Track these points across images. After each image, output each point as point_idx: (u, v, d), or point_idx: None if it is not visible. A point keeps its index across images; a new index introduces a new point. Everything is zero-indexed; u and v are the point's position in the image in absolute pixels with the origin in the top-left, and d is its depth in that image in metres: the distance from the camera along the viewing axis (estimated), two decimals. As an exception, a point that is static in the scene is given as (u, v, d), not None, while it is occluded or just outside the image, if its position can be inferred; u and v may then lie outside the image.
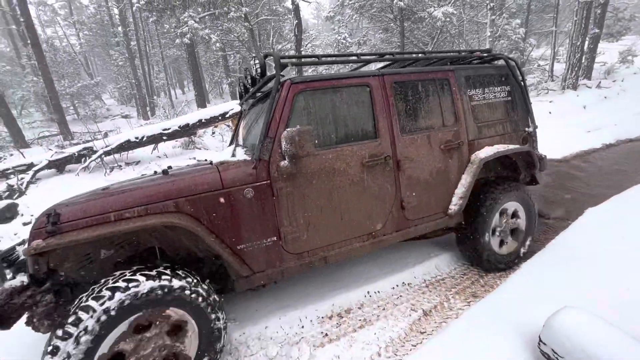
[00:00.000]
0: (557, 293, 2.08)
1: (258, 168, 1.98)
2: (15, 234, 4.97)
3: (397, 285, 2.66)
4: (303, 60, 2.35)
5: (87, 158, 6.30)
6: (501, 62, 2.93)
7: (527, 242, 2.88)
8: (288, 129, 1.87)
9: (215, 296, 1.81)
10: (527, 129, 2.97)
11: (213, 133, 8.46)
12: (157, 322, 1.65)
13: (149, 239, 1.91)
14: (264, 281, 2.08)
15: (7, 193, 5.73)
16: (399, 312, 2.34)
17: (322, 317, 2.35)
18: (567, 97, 10.19)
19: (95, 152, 6.33)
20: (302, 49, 8.99)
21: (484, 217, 2.61)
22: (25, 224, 5.24)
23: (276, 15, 12.44)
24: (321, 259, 2.20)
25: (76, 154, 6.34)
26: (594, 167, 5.52)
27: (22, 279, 1.66)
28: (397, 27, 11.39)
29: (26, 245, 1.73)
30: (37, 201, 5.53)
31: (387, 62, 2.94)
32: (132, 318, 1.56)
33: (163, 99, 18.67)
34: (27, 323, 1.65)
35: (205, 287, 1.78)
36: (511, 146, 2.73)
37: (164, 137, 6.63)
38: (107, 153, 6.38)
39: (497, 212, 2.67)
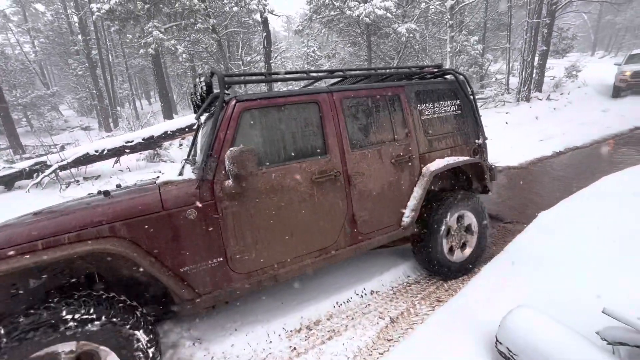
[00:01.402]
0: (514, 294, 2.19)
1: (202, 188, 1.93)
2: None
3: (365, 294, 2.68)
4: (249, 78, 2.32)
5: (40, 173, 5.86)
6: (450, 76, 3.04)
7: (482, 244, 2.99)
8: (231, 149, 1.83)
9: (136, 311, 1.73)
10: (477, 141, 3.08)
11: (180, 145, 8.20)
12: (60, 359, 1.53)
13: (84, 265, 1.81)
14: (212, 303, 2.00)
15: (-56, 213, 5.18)
16: (367, 321, 2.36)
17: (291, 331, 2.31)
18: (522, 109, 10.97)
19: (50, 166, 5.91)
20: (271, 61, 9.07)
21: (436, 226, 2.67)
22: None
23: (245, 27, 12.44)
24: (271, 278, 2.15)
25: (27, 169, 5.88)
26: (546, 172, 5.96)
27: None
28: (364, 41, 11.81)
29: None
30: (-20, 221, 5.06)
31: (338, 79, 2.97)
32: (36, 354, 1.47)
33: (127, 110, 17.90)
34: None
35: (117, 306, 1.67)
36: (461, 158, 2.84)
37: (127, 150, 6.33)
38: (63, 167, 5.98)
39: (448, 221, 2.74)
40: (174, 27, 9.66)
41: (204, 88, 2.28)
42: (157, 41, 8.67)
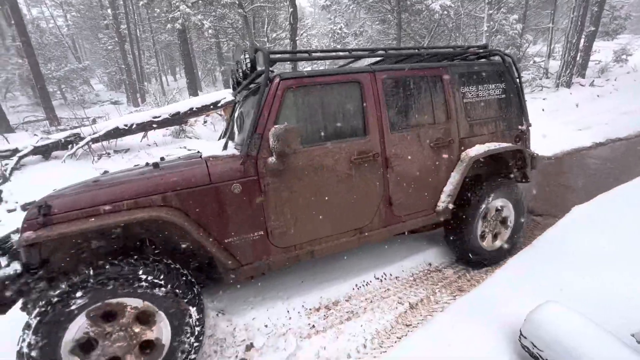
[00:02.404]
0: (540, 288, 2.11)
1: (246, 164, 1.99)
2: (-1, 220, 4.86)
3: (385, 279, 2.68)
4: (292, 56, 2.34)
5: (74, 145, 6.14)
6: (497, 58, 2.89)
7: (514, 238, 2.92)
8: (275, 127, 1.86)
9: (194, 288, 1.84)
10: (520, 127, 2.95)
11: (205, 122, 8.31)
12: (125, 311, 1.67)
13: (139, 232, 1.92)
14: (252, 274, 2.11)
15: (-9, 179, 5.58)
16: (386, 305, 2.37)
17: (310, 309, 2.36)
18: (561, 95, 10.27)
19: (83, 138, 6.17)
20: (297, 38, 8.84)
21: (472, 213, 2.63)
22: (9, 211, 5.12)
23: (271, 2, 12.14)
24: (308, 253, 2.22)
25: (63, 140, 6.17)
26: (583, 165, 5.61)
27: (15, 267, 1.67)
28: (395, 18, 11.26)
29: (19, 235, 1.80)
30: (21, 188, 5.40)
31: (379, 58, 2.88)
32: (97, 305, 1.60)
33: (154, 85, 18.26)
34: (22, 309, 1.73)
35: (181, 279, 1.79)
36: (503, 144, 2.73)
37: (154, 125, 6.49)
38: (95, 140, 6.22)
39: (484, 209, 2.69)
40: (200, 1, 9.57)
41: (248, 65, 2.28)
42: (184, 16, 8.64)
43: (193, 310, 1.78)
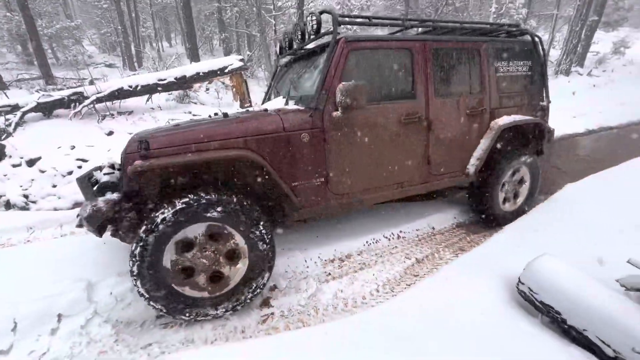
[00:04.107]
0: (535, 248, 2.35)
1: (314, 116, 2.18)
2: (4, 175, 4.88)
3: (393, 238, 2.90)
4: (356, 20, 2.55)
5: (78, 103, 6.07)
6: (527, 37, 3.09)
7: (530, 202, 3.28)
8: (344, 83, 2.05)
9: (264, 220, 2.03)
10: (541, 102, 3.20)
11: (207, 89, 8.23)
12: (222, 233, 1.93)
13: (217, 172, 2.10)
14: (310, 216, 2.41)
15: (-7, 134, 5.52)
16: (395, 259, 2.60)
17: (326, 260, 2.58)
18: (559, 82, 10.45)
19: (86, 98, 6.09)
20: (304, 8, 8.69)
21: (496, 177, 2.93)
22: (14, 166, 5.12)
23: (277, -32, 11.69)
24: (358, 201, 2.48)
25: (66, 98, 6.09)
26: (574, 149, 5.88)
27: (112, 197, 1.88)
28: (402, -6, 11.08)
29: (101, 171, 2.19)
30: (25, 143, 5.37)
31: (426, 29, 3.10)
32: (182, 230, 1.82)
33: (150, 50, 17.64)
34: (113, 234, 1.95)
35: (255, 212, 1.99)
36: (527, 117, 3.00)
37: (159, 88, 6.42)
38: (99, 100, 6.16)
39: (508, 175, 3.02)
40: (204, -38, 9.16)
41: (314, 26, 2.42)
42: (187, -24, 8.31)
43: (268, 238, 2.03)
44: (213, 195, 1.86)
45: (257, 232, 1.98)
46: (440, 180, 2.80)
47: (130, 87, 6.28)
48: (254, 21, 10.60)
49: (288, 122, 2.13)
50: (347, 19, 2.38)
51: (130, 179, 1.81)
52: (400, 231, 2.98)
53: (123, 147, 1.99)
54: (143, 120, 6.21)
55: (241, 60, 6.64)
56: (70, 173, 4.51)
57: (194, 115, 6.40)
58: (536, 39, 3.08)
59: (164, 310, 1.88)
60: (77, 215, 1.98)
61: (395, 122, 2.45)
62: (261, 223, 1.99)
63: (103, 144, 5.23)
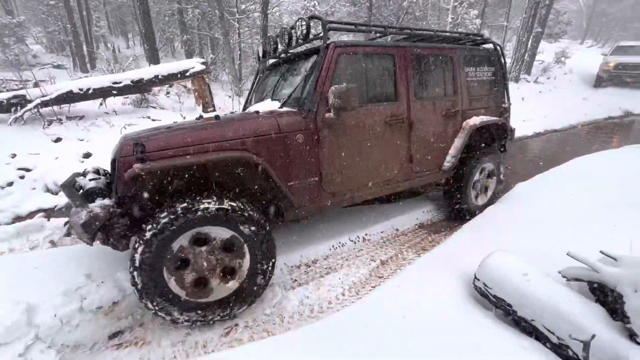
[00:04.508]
0: (490, 245, 2.49)
1: (307, 118, 2.26)
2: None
3: (358, 241, 2.94)
4: (343, 26, 2.61)
5: (19, 107, 5.54)
6: (490, 46, 3.43)
7: (495, 195, 3.59)
8: (336, 86, 2.15)
9: (260, 218, 2.01)
10: (503, 104, 3.52)
11: (167, 93, 7.88)
12: (213, 238, 1.89)
13: (212, 174, 2.09)
14: (305, 214, 2.45)
15: None
16: (360, 262, 2.63)
17: (292, 267, 2.55)
18: (510, 89, 11.23)
19: (30, 101, 5.58)
20: (268, 12, 8.63)
21: (469, 174, 3.19)
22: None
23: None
24: (349, 199, 2.59)
25: (5, 101, 5.53)
26: (524, 151, 6.35)
27: (103, 203, 1.82)
28: (365, 1, 11.38)
29: (85, 177, 2.09)
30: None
31: (404, 36, 3.27)
32: (192, 232, 1.81)
33: (105, 51, 16.60)
34: (104, 242, 1.84)
35: (253, 212, 1.97)
36: (493, 118, 3.30)
37: (114, 92, 6.04)
38: (45, 104, 5.67)
39: (478, 170, 3.28)
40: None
41: (304, 31, 2.49)
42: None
43: (264, 245, 2.02)
44: (236, 203, 1.88)
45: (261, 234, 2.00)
46: (420, 177, 2.99)
47: (81, 90, 5.85)
48: (216, 24, 10.35)
49: (283, 124, 2.18)
50: (335, 24, 2.46)
51: (126, 183, 1.75)
52: (366, 234, 3.02)
53: (114, 151, 1.94)
54: (96, 125, 5.81)
55: (203, 63, 6.44)
56: (10, 184, 4.10)
57: (153, 120, 6.10)
58: (498, 47, 3.41)
59: (189, 319, 1.88)
60: (65, 224, 1.90)
61: (381, 123, 2.59)
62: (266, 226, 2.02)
63: (50, 152, 4.82)
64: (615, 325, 1.46)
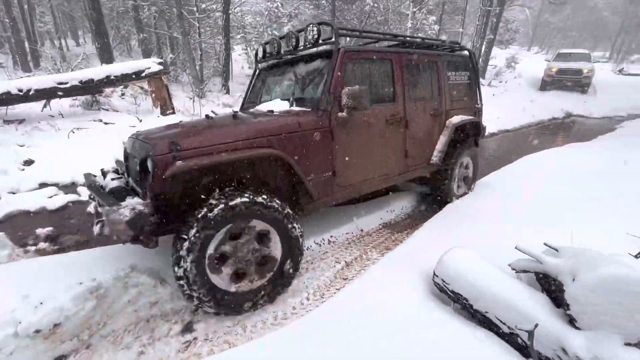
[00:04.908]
0: (449, 241, 2.59)
1: (322, 117, 2.41)
2: None
3: (323, 243, 2.92)
4: (351, 33, 2.89)
5: (-55, 110, 4.94)
6: (465, 52, 3.77)
7: (472, 185, 3.99)
8: (349, 87, 2.34)
9: (289, 210, 2.14)
10: (477, 105, 3.89)
11: (123, 94, 7.42)
12: (246, 231, 2.00)
13: (239, 171, 2.15)
14: (321, 207, 2.63)
15: None
16: (325, 265, 2.61)
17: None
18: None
19: (-42, 103, 5.00)
20: (230, 12, 8.40)
21: (452, 166, 3.52)
22: None
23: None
24: (356, 191, 2.81)
25: None
26: (481, 150, 6.71)
27: (139, 201, 1.80)
28: (329, 4, 11.49)
29: (105, 177, 2.18)
30: None
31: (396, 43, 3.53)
32: (229, 226, 1.89)
33: (49, 49, 15.29)
34: (133, 241, 1.81)
35: (283, 205, 2.10)
36: (470, 117, 3.67)
37: (60, 93, 5.56)
38: (-24, 106, 5.10)
39: (459, 162, 3.64)
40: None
41: (315, 35, 2.62)
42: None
43: (296, 225, 2.18)
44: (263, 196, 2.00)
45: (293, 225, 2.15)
46: (413, 170, 3.29)
47: (21, 91, 5.33)
48: (175, 22, 9.94)
49: (303, 122, 2.32)
50: (344, 31, 2.64)
51: (164, 180, 1.76)
52: (331, 236, 3.02)
53: (135, 150, 2.01)
54: (39, 129, 5.32)
55: (161, 63, 6.13)
56: None
57: (105, 123, 5.70)
58: (472, 54, 3.76)
59: (231, 309, 1.98)
60: (97, 223, 1.86)
61: (383, 122, 2.83)
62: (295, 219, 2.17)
63: (-18, 158, 4.33)
64: (558, 313, 1.57)
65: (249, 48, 9.67)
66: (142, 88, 7.54)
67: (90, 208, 3.18)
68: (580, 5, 30.13)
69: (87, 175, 2.42)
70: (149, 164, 1.80)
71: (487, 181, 4.29)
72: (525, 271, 1.85)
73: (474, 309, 1.82)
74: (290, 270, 2.19)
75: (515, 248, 1.88)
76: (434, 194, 3.71)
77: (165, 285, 2.17)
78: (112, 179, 2.16)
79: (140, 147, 1.97)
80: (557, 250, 1.76)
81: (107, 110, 6.35)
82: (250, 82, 3.50)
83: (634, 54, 28.07)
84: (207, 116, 2.46)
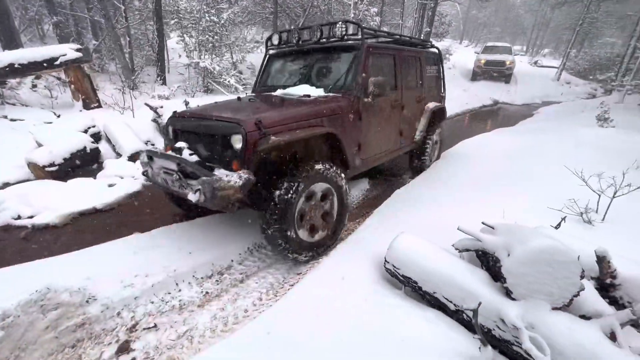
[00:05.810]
0: (398, 226, 2.66)
1: (354, 101, 2.89)
2: None
3: (275, 239, 2.82)
4: (372, 32, 3.47)
5: None
6: (435, 50, 4.50)
7: (438, 156, 4.83)
8: (374, 77, 2.94)
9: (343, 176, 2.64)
10: (441, 94, 4.69)
11: (34, 86, 6.40)
12: (316, 192, 2.44)
13: (301, 144, 2.59)
14: (349, 175, 3.00)
15: None
16: (278, 261, 2.52)
17: (202, 278, 2.31)
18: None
19: None
20: (161, -4, 7.64)
21: (428, 142, 4.28)
22: None
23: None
24: (370, 164, 3.35)
25: None
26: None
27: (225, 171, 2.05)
28: (271, -8, 11.09)
29: (182, 153, 2.26)
30: None
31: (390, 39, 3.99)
32: (309, 189, 2.33)
33: None
34: (225, 208, 2.07)
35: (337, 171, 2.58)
36: (439, 103, 4.46)
37: (-54, 85, 4.61)
38: None
39: (432, 140, 4.36)
40: None
41: (343, 32, 3.04)
42: None
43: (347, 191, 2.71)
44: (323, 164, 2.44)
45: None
46: (403, 147, 3.91)
47: None
48: (96, 4, 8.81)
49: (342, 106, 2.78)
50: (367, 30, 3.13)
51: (258, 153, 2.09)
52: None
53: (216, 128, 2.22)
54: None
55: (79, 50, 5.37)
56: None
57: (12, 120, 4.85)
58: (439, 51, 4.51)
59: (305, 255, 2.45)
60: (196, 191, 1.96)
61: (389, 107, 3.43)
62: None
63: None
64: (496, 286, 1.68)
65: (185, 35, 8.94)
66: (59, 79, 6.58)
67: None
68: (501, 3, 33.23)
69: (148, 154, 2.51)
70: (237, 140, 2.08)
71: (431, 166, 4.56)
72: (467, 250, 1.95)
73: (423, 291, 1.88)
74: (342, 222, 2.72)
75: (458, 229, 1.97)
76: (413, 165, 4.42)
77: (93, 302, 1.90)
78: (190, 154, 2.27)
79: (218, 125, 2.22)
80: (493, 227, 1.89)
81: (14, 104, 5.42)
82: (261, 67, 3.86)
83: (545, 48, 31.89)
84: (238, 98, 2.96)
